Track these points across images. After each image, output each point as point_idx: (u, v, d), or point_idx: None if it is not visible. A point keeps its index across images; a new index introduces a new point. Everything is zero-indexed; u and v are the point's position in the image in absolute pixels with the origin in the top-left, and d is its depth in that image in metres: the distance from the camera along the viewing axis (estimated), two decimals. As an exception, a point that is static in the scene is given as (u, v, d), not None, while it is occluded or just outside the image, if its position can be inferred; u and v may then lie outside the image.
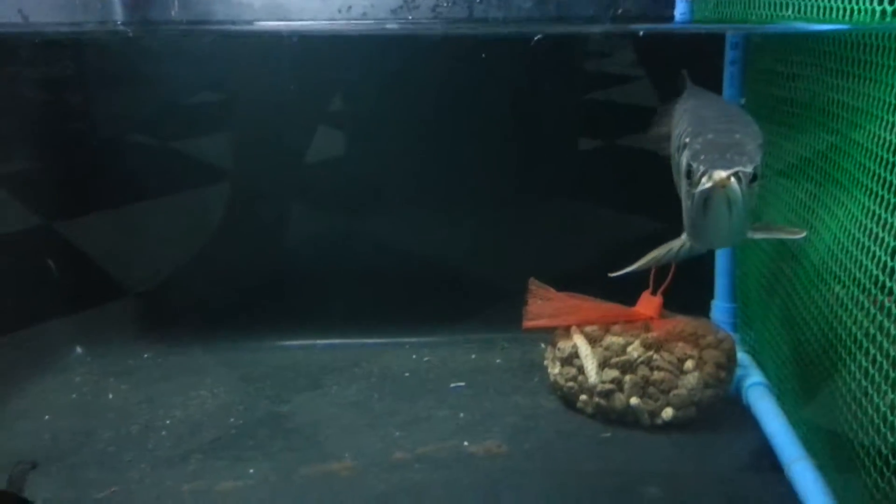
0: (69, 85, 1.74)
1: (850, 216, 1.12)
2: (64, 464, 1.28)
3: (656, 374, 1.39)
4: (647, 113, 1.46)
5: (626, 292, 1.48)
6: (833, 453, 1.13)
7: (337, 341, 1.77)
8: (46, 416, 1.46)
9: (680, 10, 1.48)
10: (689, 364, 1.40)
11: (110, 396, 1.53)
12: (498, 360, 1.68)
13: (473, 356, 1.70)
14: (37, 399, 1.52)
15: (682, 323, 1.49)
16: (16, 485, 0.86)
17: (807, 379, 1.25)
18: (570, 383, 1.45)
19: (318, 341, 1.78)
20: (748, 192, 0.98)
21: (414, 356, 1.71)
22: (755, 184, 1.00)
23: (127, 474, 1.25)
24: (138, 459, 1.30)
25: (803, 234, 1.19)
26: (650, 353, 1.41)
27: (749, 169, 0.98)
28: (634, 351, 1.42)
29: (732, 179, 0.95)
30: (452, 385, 1.58)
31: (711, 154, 1.00)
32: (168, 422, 1.43)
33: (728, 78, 1.56)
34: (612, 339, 1.45)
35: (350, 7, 1.19)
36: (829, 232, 1.19)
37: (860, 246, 1.06)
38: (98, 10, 1.70)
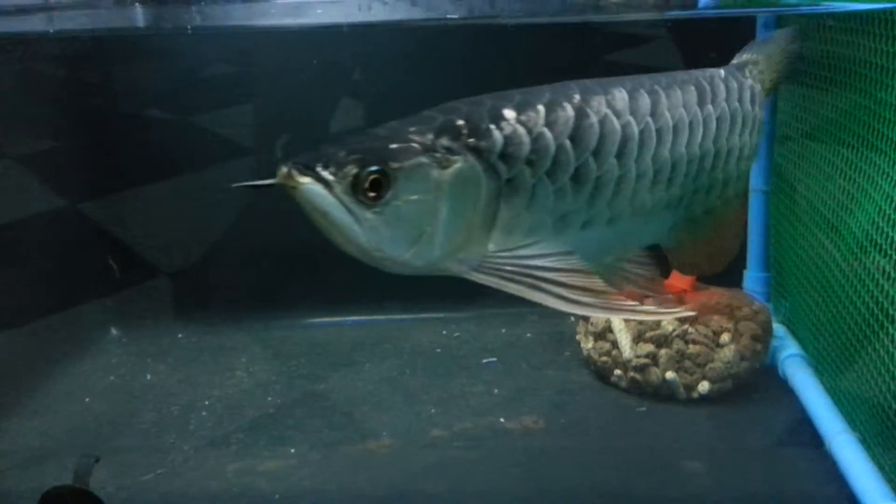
0: (92, 63, 1.73)
1: (894, 185, 1.09)
2: (108, 447, 1.31)
3: (692, 348, 1.38)
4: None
5: (659, 265, 1.47)
6: (877, 427, 1.12)
7: (366, 318, 1.78)
8: (87, 399, 1.48)
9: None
10: (724, 337, 1.40)
11: (148, 377, 1.56)
12: (528, 335, 1.68)
13: (503, 330, 1.71)
14: (76, 382, 1.55)
15: (716, 295, 1.48)
16: (82, 479, 0.88)
17: (848, 350, 1.24)
18: (604, 358, 1.45)
19: (348, 318, 1.79)
20: (354, 203, 0.72)
21: (444, 332, 1.71)
22: (389, 199, 0.73)
23: (171, 456, 1.28)
24: (181, 441, 1.32)
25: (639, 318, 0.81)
26: (685, 326, 1.41)
27: (347, 171, 0.71)
28: (669, 325, 1.41)
29: (307, 180, 0.71)
30: (484, 360, 1.58)
31: (324, 146, 0.75)
32: (207, 402, 1.45)
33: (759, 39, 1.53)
34: (646, 313, 1.44)
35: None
36: (871, 202, 1.17)
37: (906, 216, 1.04)
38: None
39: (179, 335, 1.73)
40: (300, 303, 1.78)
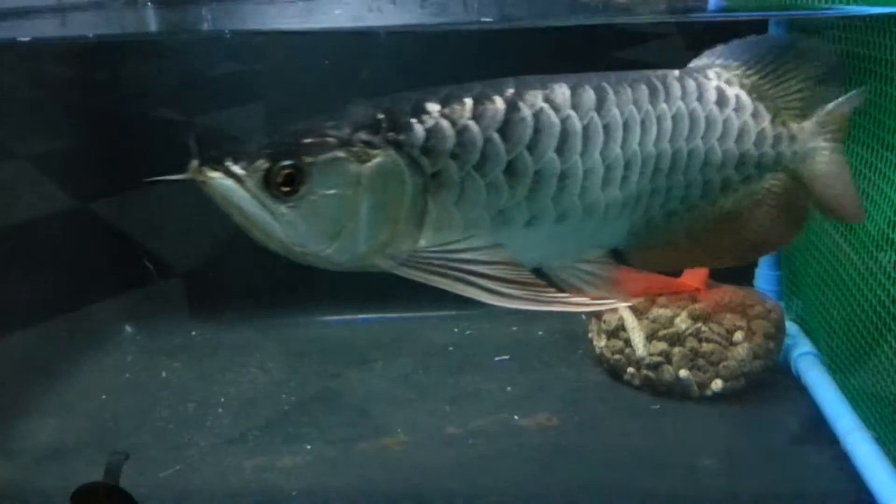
0: (103, 62, 1.74)
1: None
2: (126, 443, 1.32)
3: (705, 346, 1.39)
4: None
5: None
6: (892, 424, 1.13)
7: (377, 316, 1.79)
8: (104, 396, 1.49)
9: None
10: (738, 335, 1.40)
11: (164, 375, 1.57)
12: (540, 332, 1.69)
13: (514, 328, 1.71)
14: (92, 379, 1.56)
15: (729, 293, 1.48)
16: (112, 475, 0.89)
17: (862, 347, 1.24)
18: (617, 356, 1.46)
19: (359, 316, 1.80)
20: (268, 197, 0.72)
21: (455, 329, 1.72)
22: (304, 193, 0.73)
23: (188, 452, 1.29)
24: (198, 437, 1.33)
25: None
26: (698, 324, 1.41)
27: (258, 165, 0.72)
28: (682, 323, 1.42)
29: (217, 175, 0.72)
30: (497, 358, 1.59)
31: (246, 142, 0.76)
32: (223, 399, 1.46)
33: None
34: (659, 312, 1.44)
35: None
36: (885, 199, 1.17)
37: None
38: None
39: (193, 333, 1.74)
40: (312, 301, 1.79)
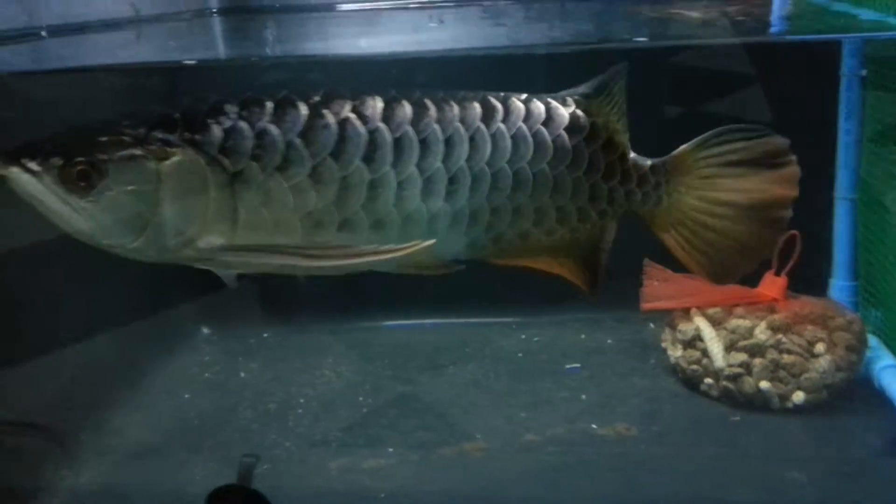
0: (156, 70, 1.78)
1: None
2: (213, 441, 1.36)
3: (786, 358, 1.37)
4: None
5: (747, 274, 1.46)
6: None
7: (443, 321, 1.80)
8: (186, 395, 1.54)
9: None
10: (819, 347, 1.38)
11: (242, 375, 1.61)
12: (609, 341, 1.69)
13: (583, 336, 1.71)
14: (174, 378, 1.61)
15: (808, 304, 1.46)
16: (245, 479, 0.92)
17: (953, 364, 1.22)
18: (694, 366, 1.45)
19: (426, 321, 1.81)
20: (65, 192, 0.77)
21: (522, 336, 1.73)
22: (102, 189, 0.77)
23: (273, 452, 1.32)
24: (281, 437, 1.36)
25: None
26: (778, 335, 1.40)
27: (53, 162, 0.77)
28: (762, 334, 1.40)
29: (15, 170, 0.76)
30: (568, 366, 1.59)
31: (46, 138, 0.80)
32: (302, 400, 1.49)
33: (847, 48, 1.52)
34: (738, 322, 1.43)
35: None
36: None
37: None
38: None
39: (266, 335, 1.78)
40: (377, 304, 1.81)
